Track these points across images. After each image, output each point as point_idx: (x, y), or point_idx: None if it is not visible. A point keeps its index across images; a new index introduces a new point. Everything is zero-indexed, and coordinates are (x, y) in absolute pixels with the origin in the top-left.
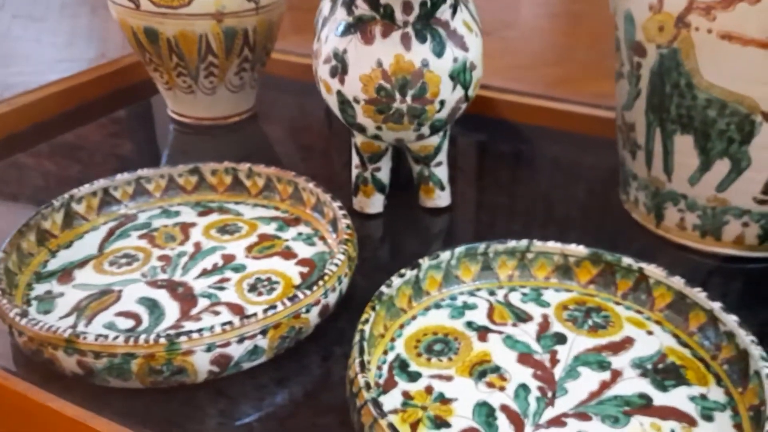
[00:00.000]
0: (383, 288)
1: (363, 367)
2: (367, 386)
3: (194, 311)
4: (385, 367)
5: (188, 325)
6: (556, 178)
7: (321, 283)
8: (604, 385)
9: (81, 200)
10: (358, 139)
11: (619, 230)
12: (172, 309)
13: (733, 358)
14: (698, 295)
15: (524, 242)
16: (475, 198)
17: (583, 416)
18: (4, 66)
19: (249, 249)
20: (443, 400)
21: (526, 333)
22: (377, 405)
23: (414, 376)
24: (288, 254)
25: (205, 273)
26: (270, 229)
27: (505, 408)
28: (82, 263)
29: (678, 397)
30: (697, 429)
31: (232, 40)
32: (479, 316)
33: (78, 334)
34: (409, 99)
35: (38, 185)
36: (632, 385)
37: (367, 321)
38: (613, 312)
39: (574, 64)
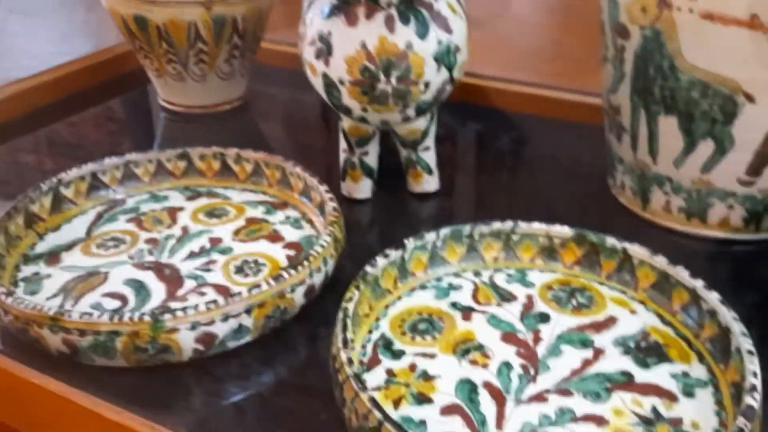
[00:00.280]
0: (367, 267)
1: (345, 343)
2: (349, 362)
3: (180, 292)
4: (370, 346)
5: (174, 306)
6: (545, 164)
7: (306, 263)
8: (587, 363)
9: (69, 184)
10: (346, 123)
11: (607, 215)
12: (158, 290)
13: (715, 335)
14: (681, 273)
15: (509, 224)
16: (464, 183)
17: (565, 392)
18: None
19: (236, 232)
20: (426, 377)
21: (510, 312)
22: (359, 380)
23: (398, 354)
24: (275, 237)
25: (192, 255)
26: (258, 212)
27: (487, 384)
28: (69, 246)
29: (660, 374)
30: (678, 405)
31: (222, 28)
32: (464, 297)
33: (63, 312)
34: (393, 80)
35: (28, 174)
36: (614, 362)
37: (350, 299)
38: (597, 292)
39: (569, 58)
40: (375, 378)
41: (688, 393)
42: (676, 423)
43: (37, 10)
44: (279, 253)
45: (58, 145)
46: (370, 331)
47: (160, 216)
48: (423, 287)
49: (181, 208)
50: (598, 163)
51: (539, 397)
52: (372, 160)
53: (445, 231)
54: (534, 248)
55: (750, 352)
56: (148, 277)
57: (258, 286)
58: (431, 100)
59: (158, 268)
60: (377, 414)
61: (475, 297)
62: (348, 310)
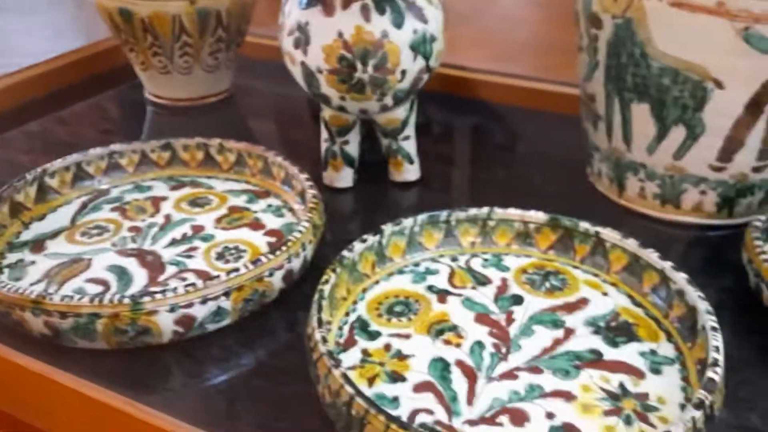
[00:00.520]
0: (344, 252)
1: (320, 323)
2: (323, 340)
3: (162, 278)
4: (346, 328)
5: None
6: (528, 154)
7: (284, 248)
8: (557, 342)
9: (54, 174)
10: (326, 112)
11: (585, 202)
12: (140, 275)
13: (683, 315)
14: (651, 256)
15: (485, 210)
16: (446, 172)
17: (535, 370)
18: None
19: (218, 220)
20: (400, 356)
21: (485, 295)
22: (331, 357)
23: (374, 335)
24: (256, 225)
25: (174, 242)
26: (240, 201)
27: (460, 363)
28: (54, 234)
29: (628, 353)
30: (645, 381)
31: (206, 21)
32: (440, 281)
33: (45, 295)
34: (370, 69)
35: (16, 167)
36: (584, 341)
37: (327, 282)
38: (570, 275)
39: (555, 51)
40: (351, 358)
41: (655, 370)
42: (643, 398)
43: (28, 7)
44: (260, 240)
45: (45, 139)
46: (347, 314)
47: (144, 205)
48: (401, 272)
49: (164, 198)
50: (579, 153)
51: (510, 375)
52: (353, 149)
53: (422, 217)
54: (510, 233)
55: (714, 329)
56: (131, 264)
57: (237, 269)
58: (408, 89)
59: (140, 255)
60: (349, 389)
61: (451, 281)
62: (323, 291)
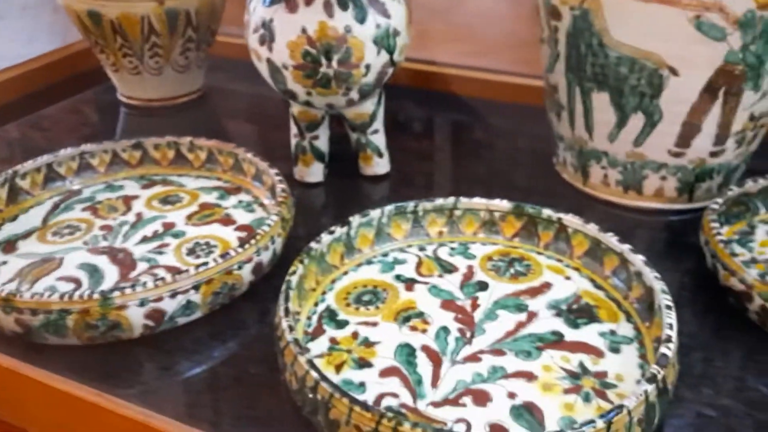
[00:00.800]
0: (312, 243)
1: (287, 312)
2: (290, 329)
3: (133, 274)
4: (315, 317)
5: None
6: (497, 146)
7: (253, 241)
8: (520, 325)
9: (25, 176)
10: (294, 108)
11: (551, 191)
12: (111, 272)
13: (641, 296)
14: (610, 239)
15: (451, 199)
16: (416, 166)
17: (498, 352)
18: None
19: (189, 217)
20: (368, 343)
21: (451, 283)
22: (297, 344)
23: (341, 324)
24: (227, 221)
25: (145, 240)
26: (211, 198)
27: (425, 348)
28: (25, 235)
29: (589, 333)
30: (605, 360)
31: (175, 21)
32: (408, 270)
33: (15, 292)
34: (335, 64)
35: None
36: (546, 324)
37: (294, 273)
38: (534, 261)
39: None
40: (319, 346)
41: (614, 349)
42: (601, 376)
43: (2, 12)
44: (230, 235)
45: (19, 142)
46: (316, 304)
47: (115, 204)
48: (369, 262)
49: (135, 196)
50: (548, 143)
51: (473, 358)
52: (322, 144)
53: (389, 208)
54: (476, 222)
55: (668, 307)
56: (102, 261)
57: (206, 263)
58: (373, 83)
59: (112, 253)
60: (314, 375)
61: (418, 270)
62: (291, 282)
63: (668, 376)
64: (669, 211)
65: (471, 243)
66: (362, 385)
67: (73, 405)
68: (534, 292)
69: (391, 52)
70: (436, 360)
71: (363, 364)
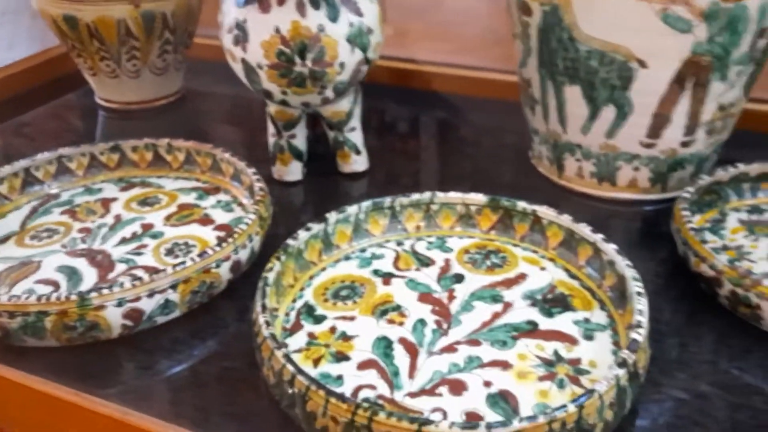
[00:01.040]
0: (289, 240)
1: (264, 308)
2: (267, 324)
3: (111, 275)
4: (293, 313)
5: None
6: (476, 142)
7: (231, 240)
8: (496, 315)
9: (3, 181)
10: (271, 107)
11: (528, 184)
12: (90, 274)
13: (614, 284)
14: (584, 230)
15: (428, 194)
16: (394, 162)
17: (474, 342)
18: None
19: (168, 218)
20: (345, 337)
21: (428, 276)
22: (274, 339)
23: (319, 319)
24: (206, 221)
25: (123, 241)
26: (190, 198)
27: (402, 340)
28: (3, 240)
29: (563, 322)
30: (579, 347)
31: (152, 23)
32: (385, 264)
33: None
34: (309, 62)
35: None
36: (522, 313)
37: (270, 269)
38: (510, 253)
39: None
40: (297, 341)
41: (588, 336)
42: (575, 363)
43: None
44: (209, 235)
45: None
46: (294, 300)
47: (94, 207)
48: (347, 258)
49: (114, 199)
50: (525, 138)
51: (450, 348)
52: (300, 143)
53: (366, 204)
54: (453, 216)
55: (639, 294)
56: (81, 264)
57: (183, 262)
58: (348, 81)
59: (90, 255)
60: (290, 368)
61: (396, 264)
62: (267, 279)
63: (639, 361)
64: (643, 202)
65: (448, 237)
66: (340, 378)
67: (52, 405)
68: (510, 283)
69: (364, 50)
70: (412, 352)
71: (341, 357)
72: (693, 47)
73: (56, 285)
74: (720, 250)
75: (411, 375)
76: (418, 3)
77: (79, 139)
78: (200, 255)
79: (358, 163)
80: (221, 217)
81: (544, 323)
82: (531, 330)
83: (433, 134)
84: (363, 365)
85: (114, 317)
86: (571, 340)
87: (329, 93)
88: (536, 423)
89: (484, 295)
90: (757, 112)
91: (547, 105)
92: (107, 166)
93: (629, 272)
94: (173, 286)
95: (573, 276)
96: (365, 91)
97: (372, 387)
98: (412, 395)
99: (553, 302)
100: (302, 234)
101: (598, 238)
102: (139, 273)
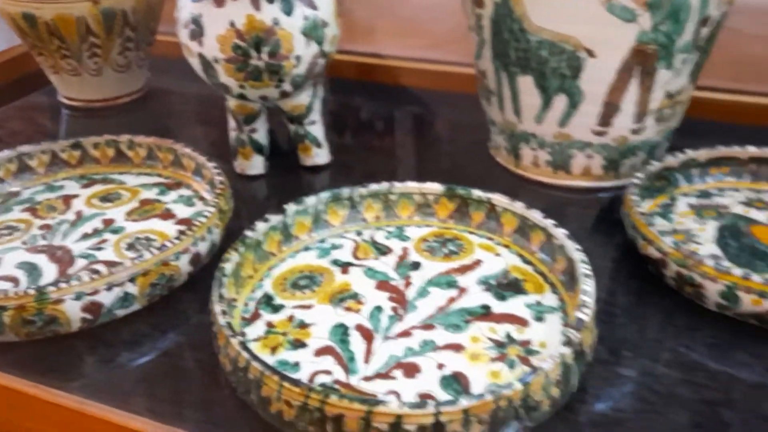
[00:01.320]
0: (246, 231)
1: (221, 297)
2: (223, 313)
3: (71, 270)
4: (252, 304)
5: None
6: (438, 134)
7: (190, 232)
8: (451, 300)
9: None
10: (231, 102)
11: (487, 175)
12: (50, 270)
13: (565, 268)
14: (535, 216)
15: (386, 185)
16: (358, 155)
17: (429, 327)
18: None
19: (129, 213)
20: (303, 325)
21: (386, 264)
22: (230, 328)
23: (278, 308)
24: (167, 215)
25: (84, 237)
26: (151, 194)
27: (359, 327)
28: None
29: (515, 305)
30: (529, 329)
31: (112, 21)
32: (344, 254)
33: None
34: (265, 56)
35: None
36: (476, 298)
37: (228, 260)
38: (467, 241)
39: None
40: (255, 330)
41: (539, 318)
42: (526, 344)
43: None
44: (170, 229)
45: None
46: (253, 291)
47: (55, 204)
48: (307, 249)
49: (75, 195)
50: (485, 131)
51: (405, 333)
52: (261, 136)
53: (324, 195)
54: (411, 206)
55: (586, 275)
56: (41, 260)
57: (141, 255)
58: (305, 74)
59: (51, 251)
60: (245, 355)
61: (354, 254)
62: (224, 269)
63: (585, 340)
64: (597, 189)
65: (407, 226)
66: (297, 364)
67: (11, 398)
68: (465, 269)
69: (320, 43)
70: (368, 337)
71: (298, 345)
72: (638, 36)
73: (16, 281)
74: (669, 233)
75: (366, 360)
76: None
77: (42, 138)
78: (159, 248)
79: (320, 156)
80: (183, 211)
81: (497, 307)
82: (484, 314)
83: (399, 128)
84: (320, 352)
85: (73, 311)
86: (523, 323)
87: (287, 86)
88: (483, 401)
89: (440, 282)
90: (706, 100)
91: (502, 95)
92: (69, 164)
93: (578, 255)
94: (132, 279)
95: (526, 261)
96: (333, 86)
97: (328, 372)
98: (367, 379)
99: (506, 286)
100: (260, 225)
101: (549, 223)
102: (100, 267)
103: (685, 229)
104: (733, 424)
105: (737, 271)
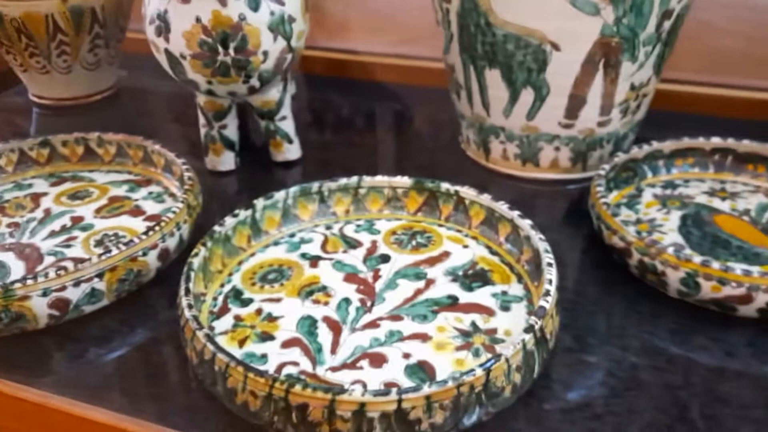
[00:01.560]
0: (215, 227)
1: (187, 291)
2: (189, 307)
3: (39, 268)
4: (221, 298)
5: None
6: (410, 129)
7: (158, 228)
8: (418, 292)
9: None
10: (200, 98)
11: (458, 169)
12: (17, 268)
13: (531, 258)
14: (502, 207)
15: (355, 178)
16: (330, 151)
17: (396, 318)
18: None
19: (98, 210)
20: (271, 318)
21: (355, 257)
22: (196, 320)
23: (246, 302)
24: (137, 212)
25: (52, 234)
26: (121, 191)
27: (326, 319)
28: None
29: (482, 295)
30: (495, 318)
31: (81, 18)
32: (313, 248)
33: None
34: (232, 51)
35: None
36: (443, 289)
37: (196, 255)
38: (436, 233)
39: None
40: (223, 324)
41: (505, 308)
42: (491, 333)
43: None
44: (139, 226)
45: None
46: (222, 285)
47: (23, 202)
48: (276, 243)
49: (44, 194)
50: (457, 126)
51: (372, 324)
52: (231, 133)
53: (293, 189)
54: (381, 200)
55: (549, 264)
56: (8, 258)
57: (109, 251)
58: (273, 69)
59: (18, 249)
60: (210, 347)
61: (324, 247)
62: (192, 264)
63: (547, 327)
64: (565, 181)
65: (377, 219)
66: (264, 356)
67: None
68: (433, 261)
69: (287, 39)
70: (336, 329)
71: (266, 337)
72: (602, 29)
73: None
74: (634, 223)
75: (333, 351)
76: None
77: (11, 136)
78: (126, 244)
79: (291, 151)
80: (152, 208)
81: (464, 297)
82: (451, 304)
83: (373, 124)
84: (287, 344)
85: (40, 307)
86: (489, 312)
87: (255, 82)
88: (445, 387)
89: (408, 273)
90: (671, 92)
91: (470, 89)
92: (37, 162)
93: (542, 245)
94: (99, 275)
95: (494, 252)
96: (307, 82)
97: (295, 363)
98: (334, 369)
99: (473, 277)
100: (229, 221)
101: (515, 214)
102: (68, 264)
103: (649, 219)
104: (691, 407)
105: (697, 259)
